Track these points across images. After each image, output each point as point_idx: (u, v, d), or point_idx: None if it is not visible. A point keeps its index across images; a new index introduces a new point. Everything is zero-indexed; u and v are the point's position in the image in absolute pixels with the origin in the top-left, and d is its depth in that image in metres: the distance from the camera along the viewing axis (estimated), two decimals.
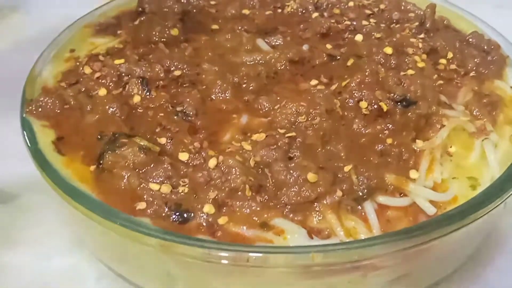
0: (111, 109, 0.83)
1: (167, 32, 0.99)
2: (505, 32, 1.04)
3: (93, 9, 1.10)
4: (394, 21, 1.06)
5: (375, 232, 0.71)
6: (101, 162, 0.75)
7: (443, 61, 0.96)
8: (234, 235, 0.70)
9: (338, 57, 0.95)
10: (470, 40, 1.02)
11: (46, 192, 0.93)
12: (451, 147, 0.82)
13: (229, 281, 0.73)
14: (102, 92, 0.86)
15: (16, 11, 1.56)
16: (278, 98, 0.85)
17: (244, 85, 0.90)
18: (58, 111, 0.84)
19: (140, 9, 1.09)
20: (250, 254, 0.65)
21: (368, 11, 1.09)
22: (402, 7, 1.12)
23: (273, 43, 0.98)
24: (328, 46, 0.98)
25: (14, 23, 1.52)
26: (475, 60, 0.96)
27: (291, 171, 0.73)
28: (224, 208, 0.72)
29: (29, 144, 0.79)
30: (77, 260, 0.89)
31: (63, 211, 0.93)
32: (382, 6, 1.10)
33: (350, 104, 0.84)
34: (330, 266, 0.68)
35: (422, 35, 0.99)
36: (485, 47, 1.00)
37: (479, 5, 1.18)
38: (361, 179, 0.74)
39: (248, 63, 0.93)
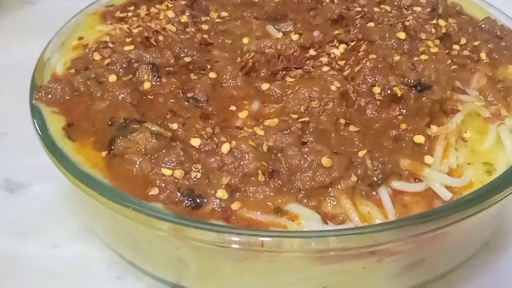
0: (121, 95, 0.82)
1: (176, 19, 0.98)
2: None
3: None
4: (406, 7, 1.05)
5: (390, 218, 0.70)
6: (112, 147, 0.75)
7: (456, 46, 0.95)
8: (248, 221, 0.69)
9: (350, 43, 0.94)
10: (483, 26, 1.01)
11: (55, 180, 0.93)
12: (465, 132, 0.81)
13: (242, 267, 0.72)
14: (112, 78, 0.85)
15: (22, 2, 1.56)
16: (290, 84, 0.85)
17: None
18: (68, 97, 0.83)
19: None
20: (265, 238, 0.64)
21: None
22: None
23: (284, 30, 0.97)
24: (339, 32, 0.96)
25: (20, 14, 1.52)
26: (488, 45, 0.95)
27: (305, 156, 0.72)
28: (237, 193, 0.71)
29: (39, 131, 0.78)
30: (87, 248, 0.89)
31: (72, 199, 0.93)
32: None
33: (363, 90, 0.83)
34: (344, 251, 0.67)
35: (434, 21, 0.98)
36: (498, 33, 0.99)
37: None
38: (375, 164, 0.73)
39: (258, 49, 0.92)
